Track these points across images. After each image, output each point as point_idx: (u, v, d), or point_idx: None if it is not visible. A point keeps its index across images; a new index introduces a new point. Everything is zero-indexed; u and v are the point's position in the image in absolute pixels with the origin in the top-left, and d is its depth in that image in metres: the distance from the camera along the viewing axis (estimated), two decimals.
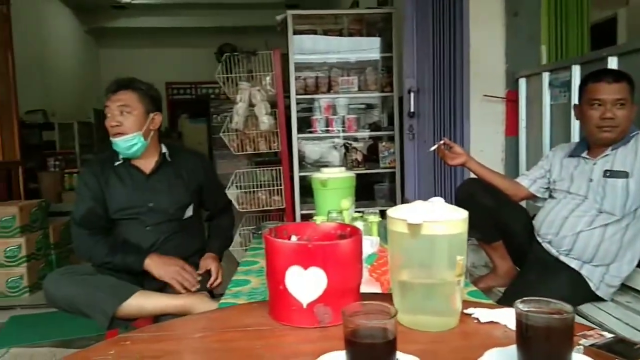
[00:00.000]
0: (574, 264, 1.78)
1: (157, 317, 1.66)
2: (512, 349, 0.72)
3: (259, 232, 2.30)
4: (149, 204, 1.83)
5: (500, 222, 2.01)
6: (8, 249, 3.34)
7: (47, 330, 2.77)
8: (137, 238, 1.82)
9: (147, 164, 1.87)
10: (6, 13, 3.86)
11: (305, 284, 0.94)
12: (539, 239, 1.91)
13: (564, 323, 0.65)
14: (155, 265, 1.74)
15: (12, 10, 3.91)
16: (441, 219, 0.89)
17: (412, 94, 3.27)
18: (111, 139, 1.79)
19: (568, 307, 0.67)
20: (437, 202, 0.95)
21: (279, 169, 3.61)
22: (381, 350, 0.67)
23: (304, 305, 0.94)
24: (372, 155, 3.89)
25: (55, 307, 1.67)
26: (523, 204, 2.14)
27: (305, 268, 0.93)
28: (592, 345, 0.78)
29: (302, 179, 3.77)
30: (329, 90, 3.76)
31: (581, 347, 0.77)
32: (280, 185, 3.61)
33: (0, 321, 2.96)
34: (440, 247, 0.89)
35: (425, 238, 0.89)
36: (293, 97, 3.64)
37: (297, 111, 3.70)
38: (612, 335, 0.83)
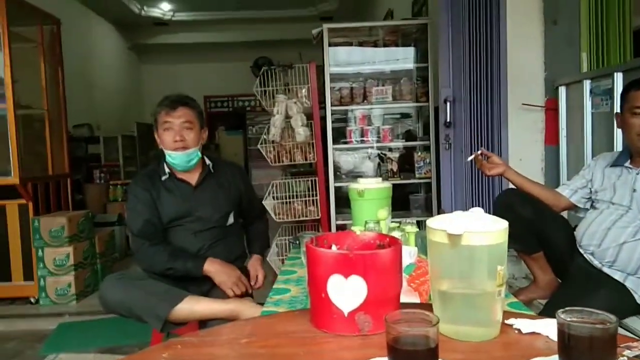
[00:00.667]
0: (617, 276, 1.74)
1: (204, 322, 1.73)
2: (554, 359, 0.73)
3: (297, 242, 2.35)
4: (196, 214, 1.94)
5: (541, 233, 1.97)
6: (57, 258, 3.51)
7: (93, 337, 2.88)
8: (184, 244, 1.93)
9: (193, 177, 1.98)
10: (57, 32, 4.07)
11: (346, 292, 0.97)
12: (580, 250, 1.87)
13: (607, 333, 0.65)
14: (216, 271, 1.84)
15: (62, 29, 4.12)
16: (481, 229, 0.90)
17: (448, 104, 3.25)
18: (170, 152, 1.89)
19: (611, 317, 0.67)
20: (477, 212, 0.96)
21: (314, 180, 3.65)
22: (423, 357, 0.69)
23: (345, 314, 0.97)
24: (406, 166, 3.89)
25: (109, 310, 1.75)
26: (565, 214, 2.10)
27: (346, 277, 0.96)
28: (636, 356, 0.77)
29: (337, 189, 3.80)
30: (364, 100, 3.79)
31: (625, 357, 0.77)
32: (316, 196, 3.65)
33: (50, 327, 3.11)
34: (480, 258, 0.90)
35: (465, 248, 0.90)
36: (328, 108, 3.69)
37: (332, 122, 3.74)
38: None
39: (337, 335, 0.97)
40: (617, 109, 1.96)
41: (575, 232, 1.95)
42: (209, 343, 0.96)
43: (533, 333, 0.92)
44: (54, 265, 3.50)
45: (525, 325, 0.95)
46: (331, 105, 3.71)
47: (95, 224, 4.17)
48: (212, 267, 1.84)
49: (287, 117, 3.48)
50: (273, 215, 3.58)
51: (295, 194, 3.69)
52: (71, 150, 4.42)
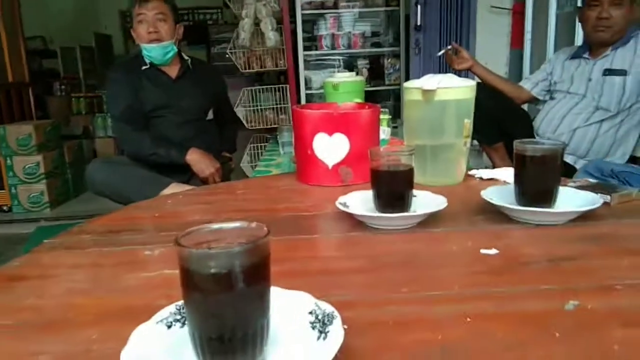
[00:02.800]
0: (569, 159, 1.91)
1: None
2: (510, 187, 0.86)
3: (271, 141, 2.44)
4: (176, 105, 1.98)
5: (502, 124, 2.11)
6: (27, 166, 3.49)
7: None
8: (167, 135, 1.97)
9: (172, 71, 2.01)
10: None
11: (330, 148, 1.07)
12: (537, 138, 2.03)
13: (556, 153, 0.78)
14: (196, 160, 1.91)
15: None
16: (452, 85, 1.00)
17: (419, 7, 3.26)
18: (145, 45, 1.91)
19: (559, 143, 0.80)
20: (448, 75, 1.06)
21: (285, 87, 3.67)
22: (401, 178, 0.80)
23: (329, 167, 1.07)
24: (376, 73, 3.93)
25: (97, 192, 1.82)
26: (525, 107, 2.24)
27: (330, 134, 1.06)
28: (578, 186, 0.92)
29: (308, 98, 3.84)
30: (335, 5, 3.74)
31: (570, 185, 0.91)
32: (286, 104, 3.69)
33: (27, 231, 3.17)
34: (451, 111, 1.01)
35: (437, 103, 1.00)
36: (299, 12, 3.63)
37: (303, 27, 3.69)
38: (597, 181, 0.97)
39: (322, 186, 1.08)
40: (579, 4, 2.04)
41: (533, 122, 2.10)
42: (208, 193, 1.06)
43: (492, 179, 1.06)
44: (24, 173, 3.49)
45: (485, 173, 1.08)
46: (301, 9, 3.64)
47: (61, 136, 4.10)
48: (194, 156, 1.91)
49: (257, 21, 3.41)
50: (245, 123, 3.61)
51: (265, 103, 3.71)
52: None
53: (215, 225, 0.45)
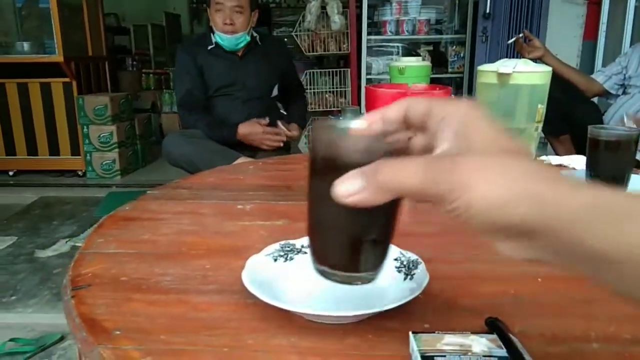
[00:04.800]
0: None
1: None
2: (580, 172, 0.88)
3: (339, 117, 2.49)
4: (242, 83, 2.04)
5: (570, 115, 2.07)
6: (102, 135, 3.73)
7: None
8: (232, 112, 2.06)
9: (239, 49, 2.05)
10: None
11: None
12: None
13: (631, 138, 0.79)
14: (245, 134, 1.97)
15: None
16: (528, 69, 1.02)
17: None
18: (220, 34, 1.97)
19: (635, 129, 0.81)
20: (523, 60, 1.07)
21: (346, 71, 3.72)
22: None
23: None
24: (438, 60, 3.89)
25: (172, 162, 1.94)
26: (595, 100, 2.19)
27: None
28: None
29: (368, 82, 3.86)
30: None
31: None
32: (347, 87, 3.74)
33: (99, 195, 3.41)
34: (524, 96, 1.03)
35: (512, 87, 1.03)
36: None
37: (368, 11, 3.70)
38: None
39: None
40: None
41: (603, 116, 2.05)
42: (283, 162, 1.14)
43: (561, 165, 1.08)
44: (98, 142, 3.73)
45: (554, 159, 1.10)
46: None
47: (133, 109, 4.34)
48: (242, 130, 1.96)
49: (323, 4, 3.47)
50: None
51: (324, 87, 3.78)
52: None
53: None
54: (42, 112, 3.73)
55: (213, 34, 2.04)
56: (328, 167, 0.31)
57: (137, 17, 6.96)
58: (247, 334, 0.44)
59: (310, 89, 3.77)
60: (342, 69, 3.77)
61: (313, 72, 3.81)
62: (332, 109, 3.81)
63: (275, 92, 2.16)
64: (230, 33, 1.95)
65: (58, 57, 3.55)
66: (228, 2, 1.93)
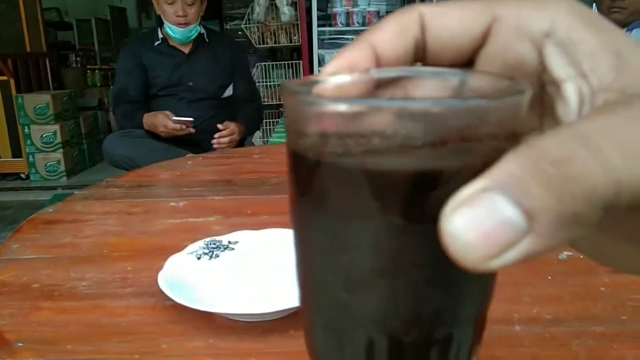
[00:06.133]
0: None
1: None
2: None
3: (284, 115, 2.46)
4: (189, 83, 1.96)
5: None
6: (44, 135, 3.56)
7: None
8: (177, 114, 1.93)
9: (186, 46, 1.97)
10: None
11: None
12: None
13: None
14: (147, 124, 1.87)
15: None
16: None
17: None
18: (172, 26, 1.88)
19: None
20: None
21: (299, 64, 3.69)
22: None
23: None
24: None
25: (114, 164, 1.86)
26: None
27: None
28: None
29: None
30: None
31: None
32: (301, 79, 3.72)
33: (44, 198, 3.26)
34: None
35: None
36: None
37: (317, 4, 3.68)
38: None
39: None
40: None
41: None
42: (226, 156, 1.11)
43: None
44: (41, 142, 3.56)
45: None
46: None
47: (77, 107, 4.17)
48: (146, 120, 1.87)
49: None
50: None
51: (278, 80, 3.74)
52: None
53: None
54: None
55: (161, 27, 1.96)
56: (370, 188, 0.13)
57: (81, 12, 6.69)
58: (162, 337, 0.41)
59: (263, 82, 3.72)
60: (294, 62, 3.74)
61: (265, 65, 3.76)
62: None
63: (229, 92, 2.04)
64: (183, 25, 1.88)
65: None
66: None
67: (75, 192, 0.87)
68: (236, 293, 0.47)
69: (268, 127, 3.88)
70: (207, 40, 2.01)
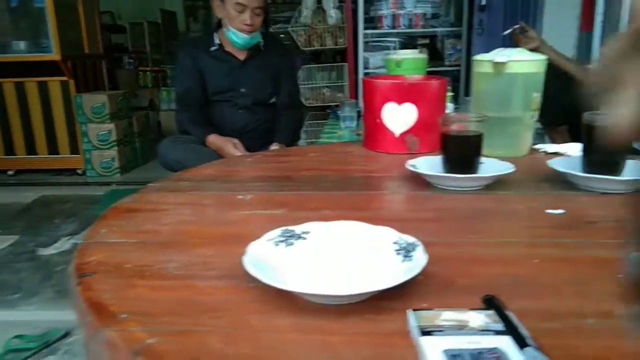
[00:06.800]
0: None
1: None
2: (576, 157, 0.89)
3: (331, 117, 2.51)
4: (241, 89, 2.01)
5: (568, 107, 2.08)
6: (100, 133, 3.74)
7: None
8: (230, 119, 2.02)
9: (241, 52, 2.02)
10: None
11: (399, 117, 1.12)
12: None
13: None
14: (213, 146, 1.92)
15: None
16: (523, 58, 1.03)
17: None
18: (237, 32, 1.91)
19: None
20: (518, 49, 1.08)
21: (343, 66, 3.72)
22: (471, 142, 0.85)
23: (397, 135, 1.13)
24: (435, 53, 3.90)
25: (167, 167, 1.92)
26: None
27: (400, 104, 1.11)
28: None
29: (366, 76, 3.86)
30: None
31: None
32: (344, 82, 3.74)
33: (99, 193, 3.42)
34: (519, 85, 1.04)
35: (507, 76, 1.03)
36: None
37: (364, 7, 3.70)
38: None
39: (388, 154, 1.14)
40: None
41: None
42: (283, 155, 1.14)
43: (557, 153, 1.08)
44: (97, 140, 3.74)
45: (550, 147, 1.11)
46: None
47: (130, 107, 4.34)
48: (213, 140, 1.90)
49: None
50: (302, 100, 3.71)
51: (321, 82, 3.79)
52: None
53: None
54: (40, 111, 3.73)
55: (215, 34, 2.01)
56: None
57: (133, 15, 6.96)
58: (249, 314, 0.45)
59: (308, 84, 3.77)
60: (339, 64, 3.78)
61: (310, 68, 3.82)
62: (330, 103, 3.82)
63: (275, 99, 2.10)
64: (248, 33, 1.91)
65: (55, 55, 3.56)
66: (252, 3, 1.87)
67: (129, 187, 0.92)
68: (315, 277, 0.50)
69: (312, 129, 3.93)
70: (262, 48, 2.05)
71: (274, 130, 2.07)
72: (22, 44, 3.75)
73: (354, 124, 2.11)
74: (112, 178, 3.78)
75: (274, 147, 1.89)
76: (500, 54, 1.04)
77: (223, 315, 0.45)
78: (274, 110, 2.09)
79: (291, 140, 2.11)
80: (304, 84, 3.73)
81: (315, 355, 0.39)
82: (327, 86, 3.83)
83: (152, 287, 0.50)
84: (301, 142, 3.80)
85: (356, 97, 3.82)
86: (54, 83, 3.71)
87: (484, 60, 1.06)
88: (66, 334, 1.80)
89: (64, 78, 3.68)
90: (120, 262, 0.56)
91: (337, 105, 3.80)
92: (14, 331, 1.79)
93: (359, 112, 2.17)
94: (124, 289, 0.50)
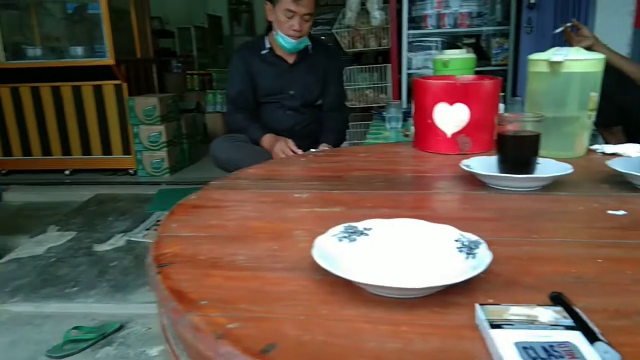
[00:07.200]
0: None
1: None
2: (635, 157, 0.87)
3: (376, 118, 2.52)
4: (289, 92, 2.06)
5: (623, 107, 2.01)
6: (151, 135, 3.88)
7: None
8: (279, 120, 2.08)
9: (291, 56, 2.07)
10: None
11: (451, 117, 1.13)
12: None
13: None
14: (267, 147, 1.97)
15: None
16: (580, 57, 1.01)
17: None
18: (285, 37, 1.96)
19: None
20: (574, 48, 1.06)
21: (386, 67, 3.72)
22: (528, 142, 0.85)
23: (448, 136, 1.14)
24: (480, 53, 3.82)
25: (219, 165, 1.99)
26: None
27: (451, 104, 1.12)
28: None
29: (409, 76, 3.84)
30: None
31: None
32: (387, 82, 3.74)
33: (150, 192, 3.55)
34: (576, 84, 1.02)
35: (563, 75, 1.02)
36: None
37: (408, 5, 3.67)
38: None
39: (439, 154, 1.15)
40: None
41: None
42: (334, 155, 1.17)
43: (615, 154, 1.06)
44: (148, 141, 3.88)
45: (608, 148, 1.08)
46: None
47: (179, 110, 4.49)
48: (267, 142, 1.97)
49: (363, 0, 3.48)
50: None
51: (363, 83, 3.79)
52: None
53: None
54: (95, 113, 3.92)
55: (266, 38, 2.07)
56: None
57: (179, 20, 7.18)
58: (319, 304, 0.47)
59: (350, 85, 3.79)
60: (382, 65, 3.77)
61: (351, 69, 3.83)
62: (373, 104, 3.82)
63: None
64: (296, 38, 1.96)
65: (110, 60, 3.72)
66: (301, 8, 1.91)
67: (178, 187, 0.96)
68: (380, 271, 0.52)
69: (354, 130, 3.94)
70: (310, 51, 2.10)
71: (319, 131, 2.10)
72: (79, 50, 3.94)
73: (400, 124, 2.11)
74: (161, 178, 3.92)
75: (324, 147, 1.92)
76: (556, 53, 1.03)
77: (295, 305, 0.47)
78: (320, 112, 2.14)
79: (338, 141, 2.15)
80: (346, 86, 3.74)
81: (388, 344, 0.40)
82: (369, 87, 3.83)
83: (226, 277, 0.53)
84: (345, 144, 3.84)
85: (399, 98, 3.81)
86: (108, 86, 3.88)
87: (540, 59, 1.04)
88: (120, 327, 1.89)
89: (118, 82, 3.85)
90: (194, 254, 0.59)
91: (379, 107, 3.80)
92: (73, 322, 1.89)
93: (404, 112, 2.17)
94: (200, 279, 0.53)
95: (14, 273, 2.34)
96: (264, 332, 0.42)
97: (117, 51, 3.76)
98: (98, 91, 3.89)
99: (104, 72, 3.79)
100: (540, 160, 0.88)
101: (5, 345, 1.81)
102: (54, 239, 2.76)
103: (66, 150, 3.99)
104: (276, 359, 0.39)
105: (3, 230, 2.80)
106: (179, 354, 0.50)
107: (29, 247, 2.65)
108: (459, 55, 2.05)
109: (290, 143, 1.90)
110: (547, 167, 0.87)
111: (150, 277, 0.55)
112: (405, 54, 3.74)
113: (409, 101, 3.90)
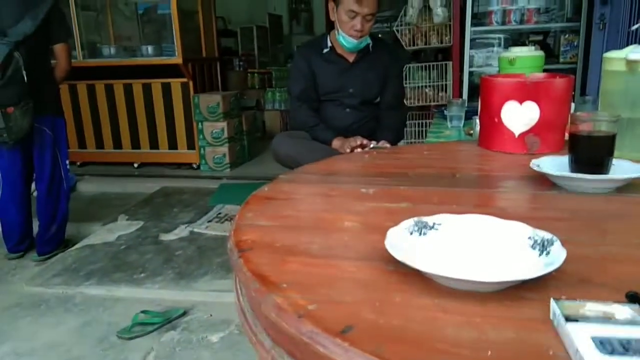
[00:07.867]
0: None
1: None
2: None
3: (437, 116, 2.49)
4: (349, 90, 2.09)
5: None
6: (214, 131, 4.03)
7: (248, 194, 3.39)
8: (338, 118, 2.11)
9: (351, 54, 2.10)
10: None
11: (519, 116, 1.11)
12: None
13: None
14: (338, 147, 1.98)
15: None
16: None
17: None
18: (346, 36, 1.99)
19: None
20: None
21: (447, 65, 3.66)
22: (603, 142, 0.82)
23: (516, 135, 1.12)
24: (547, 51, 3.68)
25: (279, 161, 2.04)
26: None
27: (521, 103, 1.10)
28: None
29: (470, 74, 3.76)
30: None
31: None
32: (447, 81, 3.68)
33: (212, 186, 3.70)
34: None
35: None
36: None
37: (472, 2, 3.59)
38: None
39: (505, 153, 1.13)
40: None
41: None
42: (398, 152, 1.18)
43: None
44: (211, 137, 4.04)
45: None
46: None
47: (240, 107, 4.62)
48: (336, 144, 1.99)
49: None
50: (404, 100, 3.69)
51: (421, 81, 3.74)
52: None
53: None
54: (162, 109, 4.12)
55: (328, 37, 2.11)
56: None
57: (241, 19, 7.38)
58: (393, 292, 0.49)
59: (409, 84, 3.75)
60: (441, 62, 3.71)
61: (410, 67, 3.79)
62: (432, 103, 3.77)
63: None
64: (358, 38, 1.99)
65: (178, 59, 3.90)
66: (364, 8, 1.93)
67: (238, 182, 1.00)
68: (453, 264, 0.54)
69: (411, 129, 3.91)
70: (370, 49, 2.11)
71: (377, 128, 2.12)
72: (149, 49, 4.16)
73: (462, 123, 2.08)
74: (222, 173, 4.06)
75: (385, 144, 1.93)
76: (635, 51, 0.99)
77: (370, 291, 0.50)
78: (378, 110, 2.15)
79: (396, 139, 2.16)
80: (405, 84, 3.71)
81: (463, 333, 0.42)
82: (429, 85, 3.78)
83: (302, 263, 0.57)
84: (401, 143, 3.81)
85: (460, 96, 3.73)
86: (175, 84, 4.06)
87: (616, 57, 1.01)
88: (184, 313, 2.00)
89: (185, 80, 4.02)
90: (270, 242, 0.63)
91: (437, 105, 3.74)
92: (140, 307, 2.01)
93: (467, 111, 2.14)
94: (279, 264, 0.57)
95: (88, 258, 2.52)
96: (342, 315, 0.45)
97: (185, 50, 3.93)
98: (166, 88, 4.08)
99: (172, 70, 3.98)
100: (614, 161, 0.86)
101: (80, 325, 1.96)
102: (124, 227, 2.93)
103: (135, 144, 4.22)
104: (355, 339, 0.41)
105: (78, 218, 3.01)
106: (256, 331, 0.53)
107: (101, 234, 2.83)
108: (527, 53, 2.00)
109: (360, 138, 1.93)
110: (622, 168, 0.85)
111: (233, 261, 0.59)
112: (467, 51, 3.66)
113: (470, 99, 3.81)
